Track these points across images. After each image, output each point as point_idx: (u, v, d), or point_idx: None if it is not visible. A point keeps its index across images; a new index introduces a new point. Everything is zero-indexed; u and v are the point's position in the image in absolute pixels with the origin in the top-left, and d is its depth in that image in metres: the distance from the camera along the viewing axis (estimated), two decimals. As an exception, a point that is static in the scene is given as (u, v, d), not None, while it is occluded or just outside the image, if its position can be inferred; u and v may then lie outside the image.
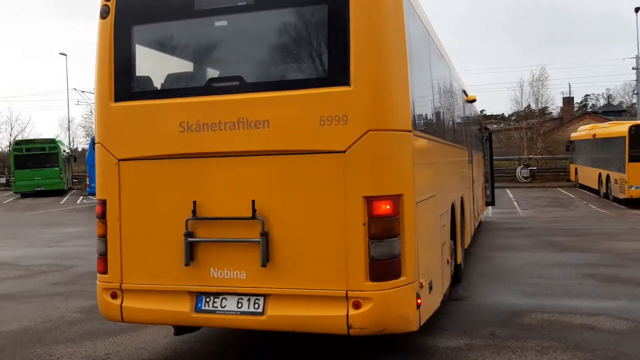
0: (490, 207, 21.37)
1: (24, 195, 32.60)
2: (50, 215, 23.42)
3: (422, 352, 5.39)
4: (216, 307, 4.39)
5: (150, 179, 4.56)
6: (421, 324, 4.55)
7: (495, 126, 55.80)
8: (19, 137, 48.42)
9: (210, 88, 4.45)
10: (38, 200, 30.32)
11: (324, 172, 4.16)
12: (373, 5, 4.14)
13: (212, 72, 4.70)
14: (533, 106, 40.36)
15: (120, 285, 4.64)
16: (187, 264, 4.41)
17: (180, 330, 5.08)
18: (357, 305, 4.09)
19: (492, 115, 67.69)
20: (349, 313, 4.10)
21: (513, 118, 44.15)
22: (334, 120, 4.11)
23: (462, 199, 8.66)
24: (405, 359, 5.27)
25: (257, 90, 4.33)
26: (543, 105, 41.50)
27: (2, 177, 43.36)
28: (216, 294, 4.41)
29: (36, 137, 42.94)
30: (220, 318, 4.39)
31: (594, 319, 6.38)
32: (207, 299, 4.43)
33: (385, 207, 4.13)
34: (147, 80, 4.75)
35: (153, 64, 4.86)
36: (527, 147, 38.66)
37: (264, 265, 4.24)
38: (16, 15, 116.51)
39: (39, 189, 32.06)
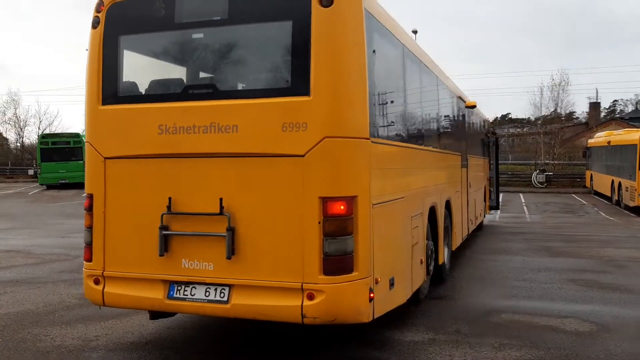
0: (498, 211, 21.60)
1: (49, 187, 33.65)
2: (70, 207, 24.24)
3: (386, 345, 5.75)
4: (186, 295, 4.82)
5: (132, 176, 5.00)
6: (375, 317, 4.90)
7: (511, 130, 55.58)
8: (47, 131, 49.89)
9: (186, 94, 4.87)
10: (62, 192, 31.30)
11: (285, 174, 4.56)
12: (333, 23, 4.52)
13: (189, 80, 5.12)
14: (552, 111, 40.12)
15: (103, 273, 5.09)
16: (161, 255, 4.85)
17: (155, 315, 5.51)
18: (311, 297, 4.48)
19: (516, 119, 67.30)
20: (304, 303, 4.48)
21: (539, 122, 43.77)
22: (295, 127, 4.50)
23: (448, 202, 8.97)
24: (367, 350, 5.63)
25: (228, 98, 4.75)
26: (566, 111, 41.30)
27: (30, 169, 44.70)
28: (186, 283, 4.84)
29: (63, 131, 44.22)
30: (189, 305, 4.82)
31: (560, 320, 6.65)
32: (179, 288, 4.86)
33: (339, 208, 4.51)
34: (132, 85, 5.19)
35: (137, 71, 5.29)
36: (545, 152, 38.47)
37: (229, 257, 4.65)
38: (52, 9, 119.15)
39: (63, 181, 33.11)
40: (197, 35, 4.98)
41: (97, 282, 5.11)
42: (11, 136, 58.01)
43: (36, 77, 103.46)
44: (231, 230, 4.66)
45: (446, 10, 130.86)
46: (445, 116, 9.37)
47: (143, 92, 5.14)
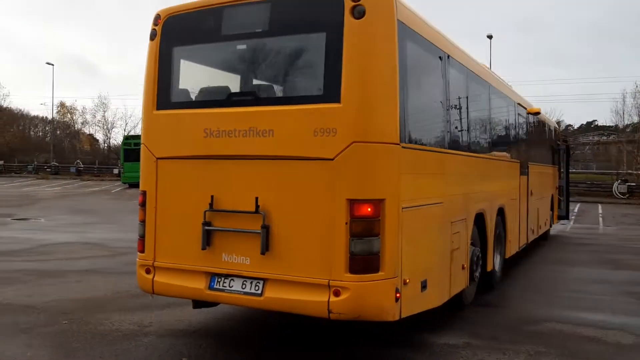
0: (571, 222, 20.93)
1: (131, 185, 35.52)
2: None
3: (418, 346, 5.91)
4: (225, 287, 5.19)
5: (180, 175, 5.44)
6: (402, 316, 5.07)
7: (596, 138, 53.05)
8: (131, 133, 52.81)
9: (230, 101, 5.26)
10: (141, 191, 32.96)
11: (316, 176, 4.84)
12: (364, 34, 4.75)
13: (232, 87, 5.50)
14: (635, 119, 38.18)
15: (153, 263, 5.56)
16: (203, 248, 5.24)
17: (197, 304, 5.91)
18: (337, 293, 4.73)
19: (603, 126, 64.17)
20: (330, 299, 4.73)
21: (628, 130, 41.84)
22: (326, 132, 4.78)
23: (501, 209, 8.95)
24: (397, 350, 5.80)
25: (265, 104, 5.09)
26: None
27: (115, 168, 47.45)
28: (226, 276, 5.21)
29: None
30: (228, 296, 5.18)
31: (604, 332, 6.55)
32: (219, 279, 5.24)
33: (366, 210, 4.73)
34: (182, 92, 5.64)
35: (188, 79, 5.72)
36: (628, 162, 36.68)
37: (263, 253, 4.98)
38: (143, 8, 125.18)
39: (143, 180, 34.83)
40: (241, 46, 5.36)
41: (148, 271, 5.58)
42: (100, 137, 61.80)
43: (123, 78, 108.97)
44: (265, 227, 4.99)
45: (537, 12, 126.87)
46: (498, 123, 9.34)
47: (192, 99, 5.57)
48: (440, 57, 6.20)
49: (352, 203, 4.73)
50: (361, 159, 4.75)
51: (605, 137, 56.36)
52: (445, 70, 6.36)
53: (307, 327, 6.44)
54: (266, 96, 5.21)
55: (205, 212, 5.25)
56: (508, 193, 9.61)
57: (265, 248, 5.00)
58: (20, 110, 65.24)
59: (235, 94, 5.32)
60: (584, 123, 72.47)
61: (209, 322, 6.65)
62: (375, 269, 4.78)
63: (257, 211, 5.02)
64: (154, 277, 5.55)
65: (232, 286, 5.17)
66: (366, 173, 4.78)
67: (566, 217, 17.59)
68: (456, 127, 6.87)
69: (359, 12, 4.75)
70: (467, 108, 7.32)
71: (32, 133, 68.95)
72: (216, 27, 5.36)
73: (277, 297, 4.97)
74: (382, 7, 4.87)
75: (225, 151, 5.18)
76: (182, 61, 5.62)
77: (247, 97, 5.22)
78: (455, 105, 6.85)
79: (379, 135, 4.82)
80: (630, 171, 35.79)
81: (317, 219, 4.85)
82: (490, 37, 39.08)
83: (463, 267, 6.93)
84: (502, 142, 9.67)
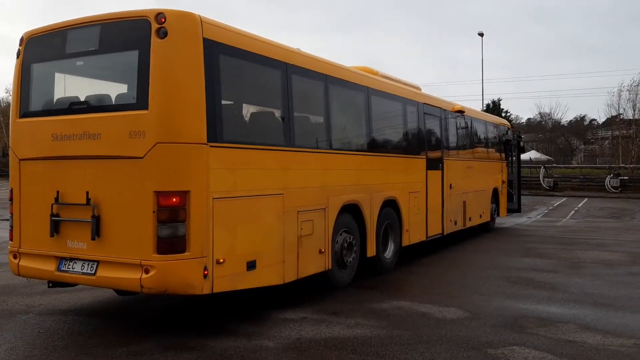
0: (539, 215, 21.43)
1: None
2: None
3: (257, 319, 6.72)
4: (69, 269, 6.10)
5: (36, 174, 6.38)
6: (215, 291, 5.90)
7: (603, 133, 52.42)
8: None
9: (70, 110, 6.19)
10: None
11: (132, 172, 5.71)
12: (167, 51, 5.62)
13: (73, 98, 6.40)
14: (630, 113, 38.13)
15: (19, 250, 6.50)
16: (52, 236, 6.16)
17: (52, 284, 6.81)
18: (147, 271, 5.59)
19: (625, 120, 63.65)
20: (142, 276, 5.60)
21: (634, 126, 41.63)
22: (138, 135, 5.65)
23: (392, 202, 9.72)
24: (241, 324, 6.61)
25: (96, 112, 6.00)
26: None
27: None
28: (70, 259, 6.12)
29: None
30: (70, 276, 6.09)
31: (440, 309, 7.27)
32: (65, 262, 6.15)
33: (172, 200, 5.59)
34: (39, 102, 6.58)
35: (43, 91, 6.67)
36: (623, 156, 36.69)
37: (93, 239, 5.87)
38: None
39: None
40: (80, 62, 6.29)
41: (15, 257, 6.53)
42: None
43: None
44: (95, 217, 5.88)
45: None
46: (385, 123, 10.09)
47: (44, 109, 6.51)
48: (261, 63, 6.92)
49: (158, 194, 5.59)
50: (165, 157, 5.61)
51: (625, 132, 56.11)
52: (284, 77, 7.16)
53: (175, 308, 7.34)
54: (96, 105, 6.11)
55: (52, 205, 6.16)
56: (405, 186, 10.34)
57: (97, 234, 5.89)
58: None
59: (74, 103, 6.23)
60: (609, 117, 71.95)
61: (92, 303, 7.58)
62: (181, 250, 5.63)
63: (88, 203, 5.92)
64: (19, 261, 6.49)
65: (74, 268, 6.07)
66: (170, 169, 5.64)
67: (518, 210, 18.14)
68: (303, 128, 7.66)
69: (163, 33, 5.63)
70: (327, 110, 8.10)
71: None
72: (62, 47, 6.29)
73: (106, 276, 5.86)
74: (184, 28, 5.74)
75: (66, 152, 6.09)
76: (38, 75, 6.56)
77: (83, 106, 6.13)
78: (303, 108, 7.65)
79: (181, 137, 5.67)
80: (622, 165, 35.78)
81: (134, 209, 5.72)
82: (481, 34, 39.47)
83: (321, 251, 7.73)
84: (393, 140, 10.39)
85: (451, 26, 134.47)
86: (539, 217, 21.57)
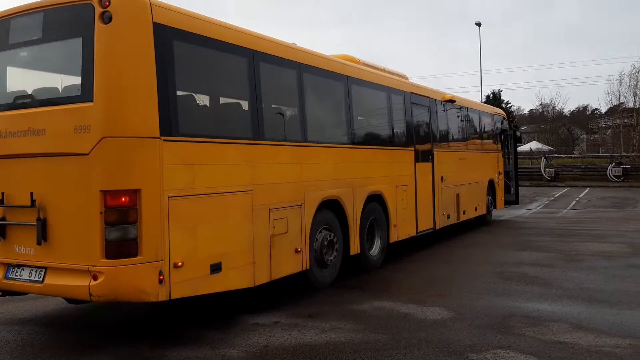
0: (540, 206, 20.96)
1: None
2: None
3: (226, 325, 6.26)
4: (17, 276, 5.64)
5: None
6: (173, 297, 5.43)
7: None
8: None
9: (15, 104, 5.72)
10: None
11: (77, 170, 5.25)
12: (112, 38, 5.14)
13: (18, 92, 5.93)
14: (630, 101, 37.49)
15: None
16: None
17: (2, 292, 6.37)
18: (95, 277, 5.13)
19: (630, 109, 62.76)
20: (90, 283, 5.14)
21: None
22: (83, 129, 5.18)
23: (377, 196, 9.25)
24: (208, 330, 6.17)
25: (40, 106, 5.53)
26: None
27: None
28: (17, 265, 5.66)
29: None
30: (18, 284, 5.63)
31: (422, 309, 6.80)
32: (13, 269, 5.69)
33: (120, 200, 5.12)
34: None
35: None
36: (625, 145, 36.10)
37: (39, 243, 5.41)
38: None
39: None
40: (23, 53, 5.82)
41: None
42: None
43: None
44: (41, 220, 5.42)
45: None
46: (369, 114, 9.62)
47: None
48: (239, 54, 6.50)
49: (106, 194, 5.13)
50: (112, 152, 5.14)
51: (627, 120, 55.49)
52: (250, 65, 6.68)
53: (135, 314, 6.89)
54: (41, 99, 5.64)
55: None
56: (392, 179, 9.85)
57: (43, 239, 5.43)
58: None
59: (19, 97, 5.76)
60: (611, 106, 70.98)
61: (51, 312, 7.13)
62: (133, 254, 5.17)
63: (32, 205, 5.46)
64: None
65: (22, 275, 5.62)
66: (118, 166, 5.17)
67: (516, 202, 17.64)
68: (274, 120, 7.19)
69: (107, 18, 5.15)
70: (301, 100, 7.62)
71: None
72: (5, 37, 5.82)
73: (54, 283, 5.40)
74: (130, 12, 5.26)
75: (10, 151, 5.63)
76: None
77: (27, 100, 5.67)
78: (274, 99, 7.18)
79: (130, 131, 5.20)
80: (623, 154, 35.18)
81: (81, 210, 5.26)
82: (478, 24, 38.85)
83: (297, 251, 7.26)
84: (377, 132, 9.91)
85: (450, 17, 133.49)
86: (539, 208, 21.06)
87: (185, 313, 6.86)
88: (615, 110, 44.82)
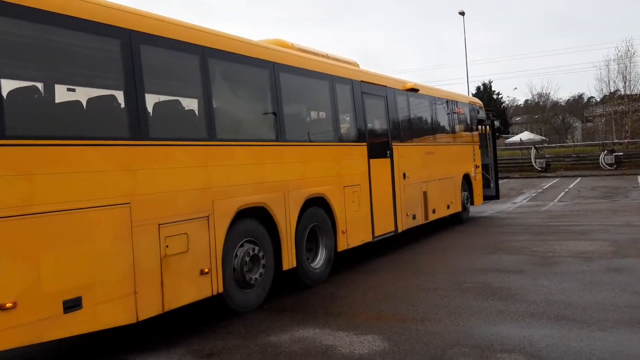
0: (527, 199, 19.79)
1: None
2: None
3: None
4: None
5: None
6: (6, 347, 4.23)
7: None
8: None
9: None
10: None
11: None
12: None
13: None
14: (620, 86, 36.22)
15: None
16: None
17: None
18: None
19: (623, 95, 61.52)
20: None
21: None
22: None
23: (319, 199, 8.05)
24: None
25: None
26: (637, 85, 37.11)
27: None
28: None
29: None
30: None
31: (351, 338, 5.58)
32: None
33: None
34: None
35: None
36: (617, 132, 34.90)
37: None
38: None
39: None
40: None
41: None
42: None
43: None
44: None
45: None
46: (306, 106, 8.40)
47: None
48: (105, 34, 5.25)
49: None
50: None
51: (622, 107, 54.54)
52: (124, 47, 5.41)
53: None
54: None
55: None
56: (338, 179, 8.62)
57: None
58: None
59: None
60: (606, 94, 69.66)
61: None
62: None
63: None
64: None
65: None
66: None
67: (496, 196, 16.41)
68: (163, 115, 5.95)
69: None
70: (206, 91, 6.35)
71: None
72: None
73: None
74: None
75: None
76: None
77: None
78: (163, 88, 5.94)
79: None
80: (616, 141, 33.96)
81: None
82: (462, 13, 37.60)
83: (204, 272, 6.03)
84: (316, 126, 8.68)
85: (439, 8, 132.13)
86: (524, 202, 19.83)
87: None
88: (610, 98, 43.68)
